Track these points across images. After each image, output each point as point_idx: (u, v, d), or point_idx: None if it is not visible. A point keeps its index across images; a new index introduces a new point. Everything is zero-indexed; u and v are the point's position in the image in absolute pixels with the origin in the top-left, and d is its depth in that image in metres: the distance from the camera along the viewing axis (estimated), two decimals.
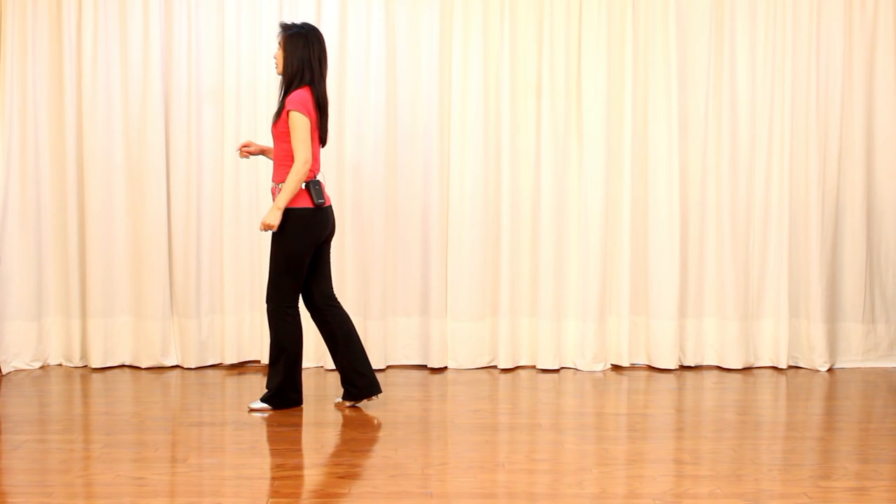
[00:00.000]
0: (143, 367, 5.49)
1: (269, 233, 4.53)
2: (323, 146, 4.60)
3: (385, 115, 5.48)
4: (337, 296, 4.67)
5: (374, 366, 5.47)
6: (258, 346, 5.55)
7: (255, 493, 3.40)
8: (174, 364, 5.53)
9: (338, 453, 3.94)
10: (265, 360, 5.52)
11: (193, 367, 5.49)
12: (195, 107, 5.46)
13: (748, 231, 5.62)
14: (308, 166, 4.35)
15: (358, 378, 4.58)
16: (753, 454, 3.92)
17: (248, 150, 4.69)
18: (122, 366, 5.51)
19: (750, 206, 5.61)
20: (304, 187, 4.40)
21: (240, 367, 5.55)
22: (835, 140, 5.59)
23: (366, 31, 5.46)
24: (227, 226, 5.51)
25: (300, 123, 4.35)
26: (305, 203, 4.40)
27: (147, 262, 5.46)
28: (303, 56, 4.42)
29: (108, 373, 5.39)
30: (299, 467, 3.74)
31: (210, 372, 5.44)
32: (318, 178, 4.48)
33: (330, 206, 4.52)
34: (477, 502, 3.36)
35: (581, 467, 3.74)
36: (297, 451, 3.98)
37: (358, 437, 4.16)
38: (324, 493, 3.42)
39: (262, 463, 3.77)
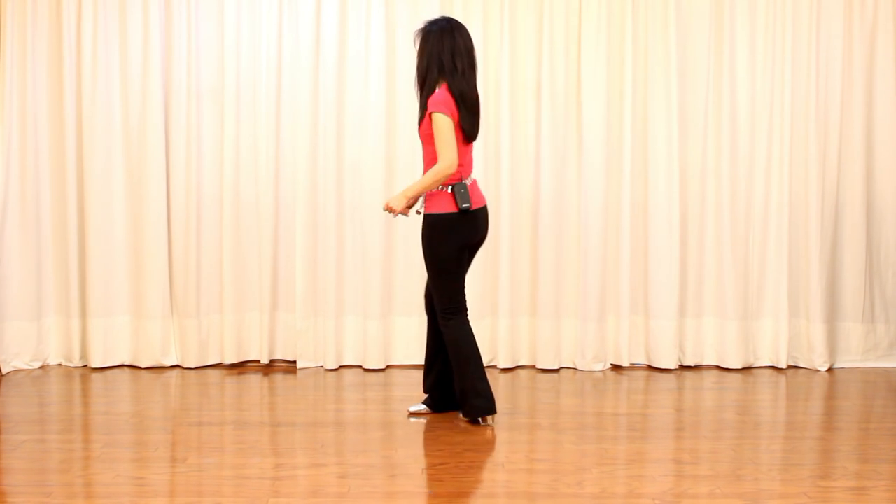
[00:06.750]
0: (142, 366, 5.49)
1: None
2: (469, 142, 4.33)
3: (385, 115, 5.47)
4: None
5: (375, 366, 5.48)
6: (258, 346, 5.55)
7: (255, 493, 3.40)
8: (174, 364, 5.53)
9: (338, 453, 3.93)
10: (265, 360, 5.52)
11: (193, 366, 5.49)
12: (195, 107, 5.46)
13: (748, 231, 5.62)
14: (452, 169, 4.19)
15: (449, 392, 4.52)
16: (753, 454, 3.92)
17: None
18: (122, 366, 5.51)
19: (750, 205, 5.60)
20: (449, 191, 4.25)
21: (240, 367, 5.55)
22: (835, 140, 5.59)
23: (366, 31, 5.46)
24: (227, 226, 5.50)
25: (442, 124, 4.20)
26: (450, 208, 4.25)
27: (147, 262, 5.46)
28: (431, 52, 4.28)
29: (108, 373, 5.39)
30: (299, 467, 3.74)
31: (210, 372, 5.44)
32: (467, 180, 4.31)
33: (482, 209, 4.34)
34: (477, 502, 3.36)
35: (581, 467, 3.73)
36: (297, 451, 3.98)
37: (358, 437, 4.16)
38: (324, 493, 3.42)
39: (262, 463, 3.77)
